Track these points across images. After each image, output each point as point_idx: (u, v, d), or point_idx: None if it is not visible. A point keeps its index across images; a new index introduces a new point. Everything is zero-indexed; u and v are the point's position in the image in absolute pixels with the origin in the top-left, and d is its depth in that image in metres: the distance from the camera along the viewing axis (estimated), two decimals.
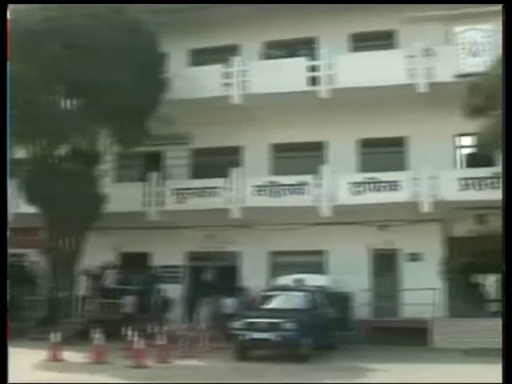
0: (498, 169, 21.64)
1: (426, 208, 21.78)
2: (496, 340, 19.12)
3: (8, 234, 9.69)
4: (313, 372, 15.58)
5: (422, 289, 21.26)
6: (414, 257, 23.17)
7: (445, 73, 21.91)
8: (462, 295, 22.97)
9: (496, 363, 16.20)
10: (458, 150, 24.06)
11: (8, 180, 10.04)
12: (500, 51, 20.36)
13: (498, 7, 22.21)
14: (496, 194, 21.03)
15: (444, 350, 19.35)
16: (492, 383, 11.54)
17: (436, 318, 21.32)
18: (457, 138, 23.84)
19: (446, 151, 23.41)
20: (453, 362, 17.20)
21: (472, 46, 21.97)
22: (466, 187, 21.71)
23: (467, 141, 23.96)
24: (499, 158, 21.59)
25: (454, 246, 22.82)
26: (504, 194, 10.18)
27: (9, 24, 11.01)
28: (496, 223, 21.93)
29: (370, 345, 20.51)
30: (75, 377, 14.59)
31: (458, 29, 22.40)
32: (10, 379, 8.91)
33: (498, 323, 20.38)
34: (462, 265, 23.07)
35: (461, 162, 24.18)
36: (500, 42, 21.06)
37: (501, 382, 8.88)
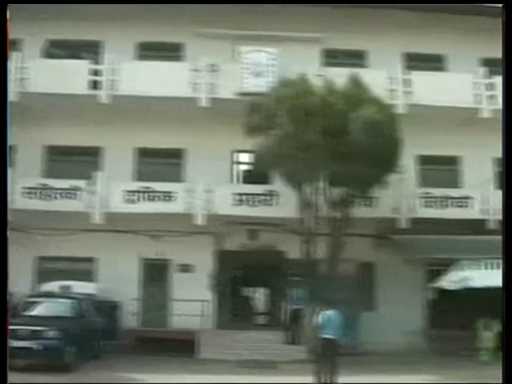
0: (271, 187, 22.92)
1: (199, 220, 22.25)
2: (261, 352, 20.27)
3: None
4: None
5: (192, 300, 21.75)
6: (185, 268, 23.53)
7: (228, 90, 22.66)
8: (231, 307, 23.83)
9: (259, 374, 17.26)
10: (235, 166, 24.90)
11: (8, 179, 9.75)
12: (282, 74, 21.74)
13: (283, 33, 23.98)
14: (268, 211, 22.28)
15: (209, 361, 19.75)
16: (492, 383, 12.05)
17: (204, 329, 21.78)
18: (235, 154, 24.66)
19: (223, 166, 24.17)
20: (214, 372, 17.69)
21: (256, 66, 22.87)
22: (240, 203, 22.55)
23: (245, 157, 24.82)
24: (273, 176, 22.79)
25: (226, 259, 23.49)
26: (504, 194, 10.50)
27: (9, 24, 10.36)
28: (266, 239, 23.20)
29: (136, 355, 20.48)
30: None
31: (244, 49, 23.22)
32: None
33: (264, 336, 21.54)
34: (232, 278, 24.04)
35: (237, 177, 25.03)
36: (283, 65, 22.48)
37: (501, 382, 9.20)
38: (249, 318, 25.77)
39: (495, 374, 17.73)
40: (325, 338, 15.47)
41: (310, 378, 15.09)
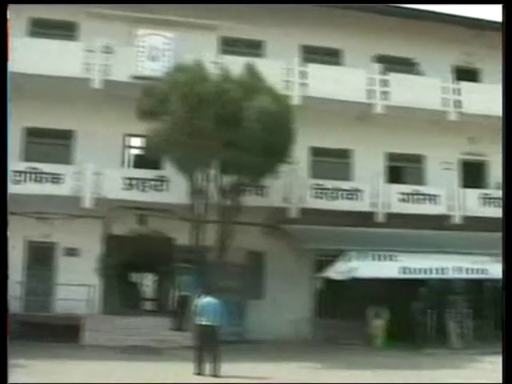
0: (162, 172, 23.28)
1: (87, 204, 22.39)
2: (147, 338, 20.72)
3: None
4: None
5: (78, 284, 21.87)
6: (72, 252, 23.58)
7: (122, 73, 22.88)
8: (118, 293, 24.05)
9: (143, 360, 17.69)
10: (126, 150, 25.09)
11: (8, 180, 9.68)
12: (179, 59, 22.16)
13: (181, 19, 24.37)
14: (158, 197, 22.65)
15: (94, 347, 20.02)
16: (493, 383, 12.25)
17: (89, 314, 21.93)
18: (127, 138, 24.85)
19: (114, 149, 24.31)
20: (98, 358, 18.00)
21: (152, 50, 23.22)
22: (130, 187, 22.79)
23: (137, 142, 25.10)
24: (165, 162, 23.17)
25: (114, 243, 23.61)
26: (504, 194, 10.63)
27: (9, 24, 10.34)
28: (156, 224, 23.55)
29: (19, 340, 20.22)
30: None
31: (140, 32, 23.50)
32: None
33: (151, 322, 21.97)
34: (120, 263, 24.20)
35: (128, 161, 25.22)
36: (179, 50, 22.90)
37: (501, 381, 9.29)
38: (136, 304, 26.09)
39: (382, 361, 19.13)
40: (203, 325, 16.05)
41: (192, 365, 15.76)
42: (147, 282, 29.45)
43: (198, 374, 15.55)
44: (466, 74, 27.77)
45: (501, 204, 25.53)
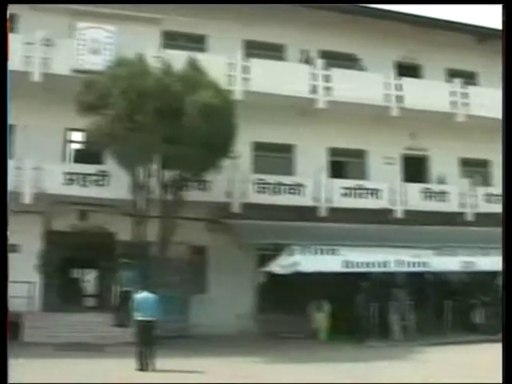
0: (103, 167, 23.10)
1: (27, 199, 22.09)
2: (88, 334, 20.64)
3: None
4: None
5: (17, 281, 21.36)
6: (11, 248, 22.78)
7: (63, 66, 22.67)
8: (59, 289, 23.76)
9: (89, 357, 17.61)
10: (67, 144, 24.88)
11: (8, 179, 9.86)
12: (120, 53, 22.04)
13: (123, 12, 24.27)
14: (99, 192, 22.49)
15: (34, 344, 19.82)
16: (493, 383, 12.03)
17: (30, 311, 21.73)
18: (68, 132, 24.64)
19: (55, 144, 24.05)
20: (38, 356, 17.82)
21: (93, 43, 23.05)
22: (71, 182, 22.56)
23: (78, 136, 24.89)
24: (106, 157, 23.03)
25: (54, 239, 23.38)
26: (504, 194, 10.58)
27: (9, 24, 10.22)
28: (97, 220, 23.43)
29: None
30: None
31: (81, 25, 23.32)
32: None
33: (93, 318, 21.85)
34: (61, 259, 24.00)
35: (70, 156, 25.02)
36: (121, 44, 22.79)
37: (501, 381, 9.17)
38: (78, 300, 25.88)
39: (325, 354, 19.39)
40: (140, 320, 16.14)
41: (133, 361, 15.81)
42: (89, 278, 29.21)
43: (141, 369, 15.63)
44: (408, 70, 28.35)
45: (441, 198, 26.25)
